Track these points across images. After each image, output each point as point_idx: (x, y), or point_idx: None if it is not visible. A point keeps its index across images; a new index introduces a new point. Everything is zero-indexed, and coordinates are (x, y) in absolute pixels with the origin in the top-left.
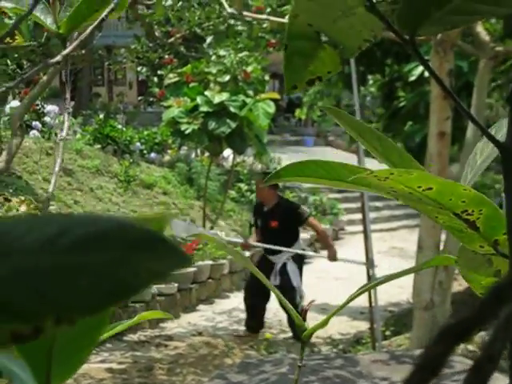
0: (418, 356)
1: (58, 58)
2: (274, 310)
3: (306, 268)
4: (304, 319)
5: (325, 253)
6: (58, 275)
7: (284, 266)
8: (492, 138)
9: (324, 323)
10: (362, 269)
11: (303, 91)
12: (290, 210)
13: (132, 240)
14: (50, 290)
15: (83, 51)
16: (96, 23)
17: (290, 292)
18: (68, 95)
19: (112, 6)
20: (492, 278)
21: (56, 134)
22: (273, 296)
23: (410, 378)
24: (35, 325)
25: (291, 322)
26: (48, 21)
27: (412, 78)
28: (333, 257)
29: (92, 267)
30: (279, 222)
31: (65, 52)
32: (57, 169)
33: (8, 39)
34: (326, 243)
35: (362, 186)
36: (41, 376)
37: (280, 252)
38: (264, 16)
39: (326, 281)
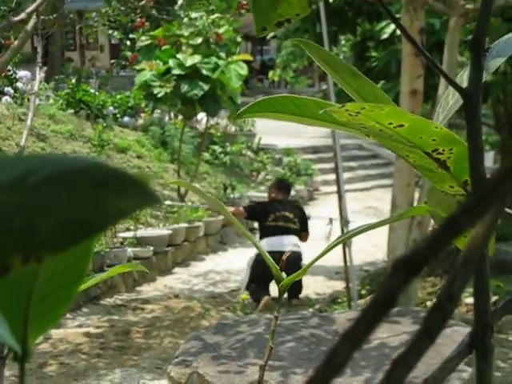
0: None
1: (22, 15)
2: None
3: None
4: (281, 269)
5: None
6: (25, 213)
7: None
8: (455, 85)
9: (301, 273)
10: (336, 229)
11: (276, 52)
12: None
13: (99, 178)
14: (16, 227)
15: (54, 15)
16: None
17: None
18: (40, 49)
19: None
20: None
21: (28, 100)
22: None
23: (365, 313)
24: (3, 263)
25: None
26: None
27: (384, 36)
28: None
29: (58, 205)
30: None
31: (29, 9)
32: (29, 122)
33: None
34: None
35: (332, 123)
36: (18, 329)
37: None
38: None
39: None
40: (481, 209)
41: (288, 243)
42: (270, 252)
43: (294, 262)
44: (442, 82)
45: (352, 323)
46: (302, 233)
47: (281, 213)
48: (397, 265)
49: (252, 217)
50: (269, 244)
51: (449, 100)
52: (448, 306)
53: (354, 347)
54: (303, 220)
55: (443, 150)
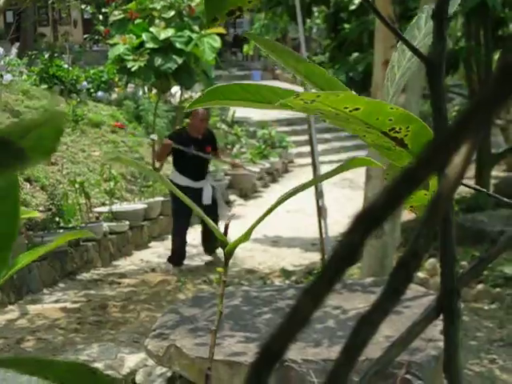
0: (335, 245)
1: None
2: None
3: (256, 202)
4: (226, 234)
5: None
6: None
7: (213, 188)
8: (418, 53)
9: (245, 237)
10: (312, 201)
11: (249, 25)
12: (213, 136)
13: None
14: None
15: None
16: None
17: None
18: None
19: None
20: (421, 191)
21: (2, 76)
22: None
23: (327, 268)
24: None
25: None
26: None
27: (352, 7)
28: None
29: None
30: (211, 148)
31: None
32: None
33: None
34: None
35: (288, 108)
36: None
37: (203, 178)
38: None
39: (277, 214)
40: (438, 158)
41: None
42: None
43: None
44: None
45: (313, 279)
46: None
47: None
48: (356, 218)
49: None
50: None
51: (395, 72)
52: (413, 263)
53: (315, 303)
54: None
55: (400, 129)
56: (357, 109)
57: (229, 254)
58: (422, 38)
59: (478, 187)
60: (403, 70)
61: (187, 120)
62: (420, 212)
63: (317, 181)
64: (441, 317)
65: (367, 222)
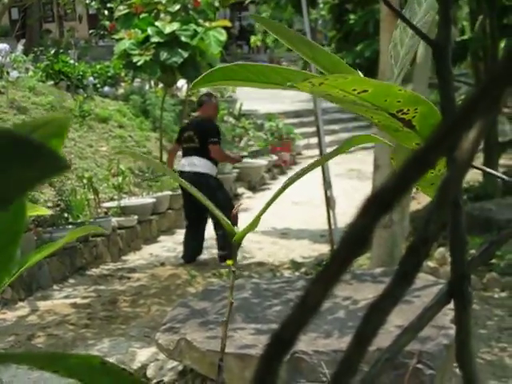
0: (344, 230)
1: None
2: None
3: (264, 194)
4: (234, 224)
5: None
6: None
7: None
8: (424, 37)
9: (253, 225)
10: (320, 192)
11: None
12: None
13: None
14: None
15: None
16: None
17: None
18: None
19: None
20: (428, 173)
21: (8, 73)
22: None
23: (339, 251)
24: None
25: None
26: None
27: None
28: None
29: None
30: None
31: None
32: None
33: None
34: None
35: (295, 88)
36: None
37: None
38: None
39: (285, 205)
40: (447, 141)
41: (188, 164)
42: (180, 172)
43: (194, 182)
44: (423, 42)
45: (325, 264)
46: (208, 147)
47: (187, 133)
48: (366, 203)
49: (178, 144)
50: (179, 165)
51: (398, 49)
52: (422, 249)
53: (325, 291)
54: (202, 134)
55: (408, 110)
56: (365, 91)
57: (238, 243)
58: (423, 14)
59: (490, 170)
60: (406, 48)
61: (194, 114)
62: (429, 192)
63: (324, 160)
64: (451, 305)
65: (376, 206)
